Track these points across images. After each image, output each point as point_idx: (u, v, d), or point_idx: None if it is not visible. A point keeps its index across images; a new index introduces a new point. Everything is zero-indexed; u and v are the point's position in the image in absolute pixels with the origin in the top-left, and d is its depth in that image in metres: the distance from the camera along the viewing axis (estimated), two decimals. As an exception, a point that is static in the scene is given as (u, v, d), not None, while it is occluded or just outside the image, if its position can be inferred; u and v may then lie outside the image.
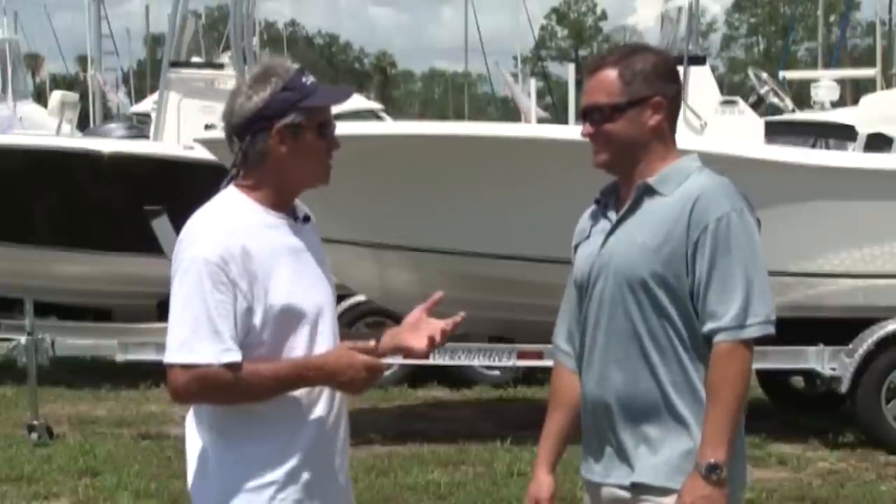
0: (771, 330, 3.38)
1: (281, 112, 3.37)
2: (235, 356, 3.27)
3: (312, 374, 3.35)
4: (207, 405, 3.38)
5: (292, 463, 3.36)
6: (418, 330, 3.50)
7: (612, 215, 3.53)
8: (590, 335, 3.51)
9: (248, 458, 3.35)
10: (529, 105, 14.68)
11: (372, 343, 3.41)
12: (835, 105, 12.72)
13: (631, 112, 3.46)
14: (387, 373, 11.67)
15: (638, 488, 3.43)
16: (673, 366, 3.40)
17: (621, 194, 3.54)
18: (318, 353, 3.39)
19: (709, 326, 3.37)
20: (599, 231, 3.54)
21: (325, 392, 3.41)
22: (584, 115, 3.53)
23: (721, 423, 3.31)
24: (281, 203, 3.44)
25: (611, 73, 3.47)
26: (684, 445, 3.39)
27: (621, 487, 3.46)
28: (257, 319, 3.32)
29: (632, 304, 3.41)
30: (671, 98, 3.51)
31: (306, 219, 3.51)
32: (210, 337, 3.25)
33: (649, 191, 3.46)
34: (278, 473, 3.34)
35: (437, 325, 3.49)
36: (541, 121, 15.74)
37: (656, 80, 3.47)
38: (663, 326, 3.40)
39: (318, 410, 3.41)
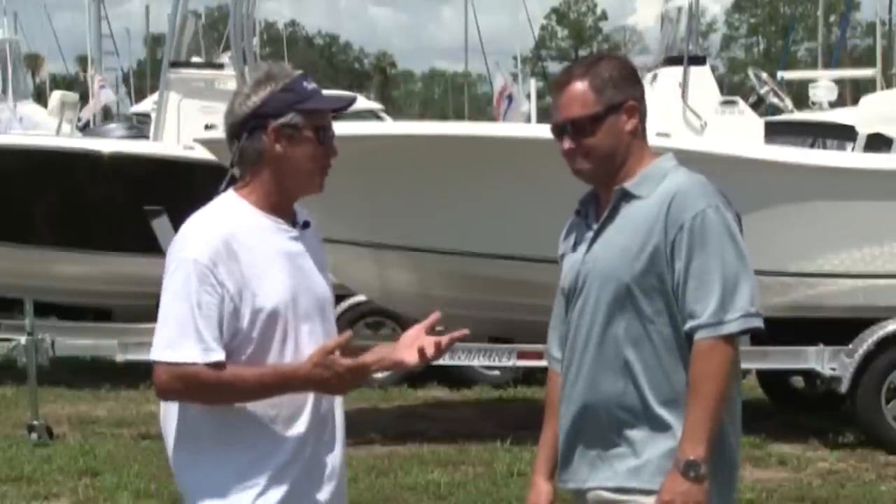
0: (753, 323, 3.36)
1: (278, 111, 3.37)
2: (219, 356, 3.29)
3: (292, 380, 3.35)
4: (192, 409, 3.38)
5: (275, 467, 3.35)
6: (413, 346, 3.46)
7: (594, 223, 3.54)
8: (573, 341, 3.52)
9: (230, 462, 3.35)
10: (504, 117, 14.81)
11: (347, 334, 3.39)
12: (833, 105, 12.71)
13: (609, 120, 3.46)
14: (386, 373, 11.68)
15: (621, 490, 3.43)
16: (654, 369, 3.40)
17: (601, 201, 3.55)
18: (298, 360, 3.37)
19: (689, 325, 3.37)
20: (583, 239, 3.55)
21: (312, 396, 3.41)
22: (560, 130, 3.52)
23: (700, 421, 3.31)
24: (278, 207, 3.44)
25: (581, 85, 3.48)
26: (666, 447, 3.39)
27: (605, 489, 3.46)
28: (244, 322, 3.33)
29: (615, 309, 3.42)
30: (640, 99, 3.53)
31: (306, 224, 3.51)
32: (195, 336, 3.27)
33: (627, 195, 3.47)
34: (261, 478, 3.34)
35: (431, 339, 3.45)
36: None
37: (625, 85, 3.49)
38: (646, 330, 3.41)
39: (304, 415, 3.40)
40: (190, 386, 3.30)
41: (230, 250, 3.32)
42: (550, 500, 3.63)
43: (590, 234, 3.52)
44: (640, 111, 3.51)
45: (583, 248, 3.52)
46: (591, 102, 3.46)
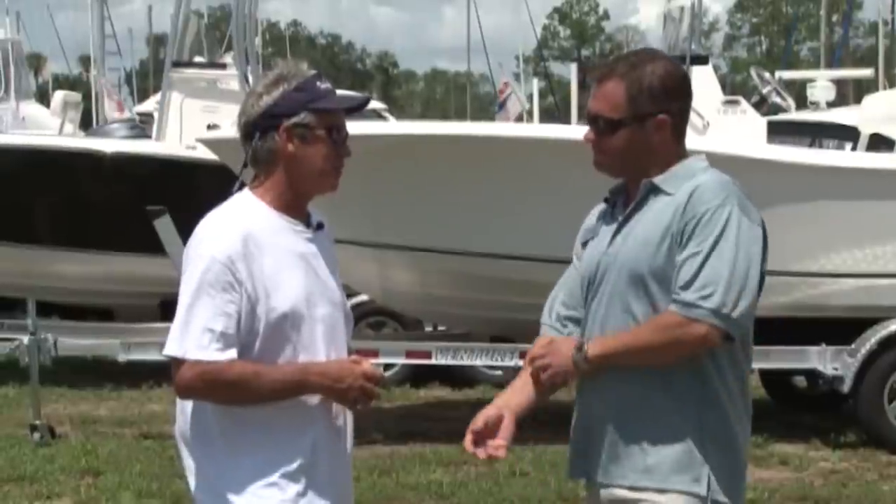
0: (723, 325, 3.29)
1: (290, 111, 3.37)
2: (236, 354, 3.28)
3: (315, 379, 3.35)
4: (208, 408, 3.37)
5: (292, 467, 3.35)
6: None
7: (621, 214, 3.53)
8: (590, 331, 3.51)
9: (245, 466, 3.34)
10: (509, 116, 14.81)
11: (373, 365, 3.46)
12: (832, 105, 12.69)
13: (632, 127, 3.44)
14: (388, 373, 11.69)
15: (635, 489, 3.43)
16: (667, 367, 3.38)
17: (629, 193, 3.54)
18: (321, 361, 3.39)
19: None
20: (607, 229, 3.54)
21: (327, 399, 3.41)
22: (589, 120, 3.52)
23: (618, 341, 3.36)
24: (293, 207, 3.44)
25: (618, 86, 3.44)
26: (679, 445, 3.38)
27: (620, 487, 3.46)
28: (260, 321, 3.33)
29: (633, 302, 3.41)
30: (676, 113, 3.49)
31: (320, 226, 3.51)
32: (214, 334, 3.27)
33: (655, 189, 3.46)
34: (279, 477, 3.34)
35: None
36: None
37: (663, 97, 3.45)
38: None
39: (320, 417, 3.40)
40: (209, 382, 3.28)
41: (248, 249, 3.32)
42: (486, 423, 3.77)
43: (614, 225, 3.51)
44: (672, 125, 3.47)
45: (606, 237, 3.51)
46: (619, 107, 3.43)
